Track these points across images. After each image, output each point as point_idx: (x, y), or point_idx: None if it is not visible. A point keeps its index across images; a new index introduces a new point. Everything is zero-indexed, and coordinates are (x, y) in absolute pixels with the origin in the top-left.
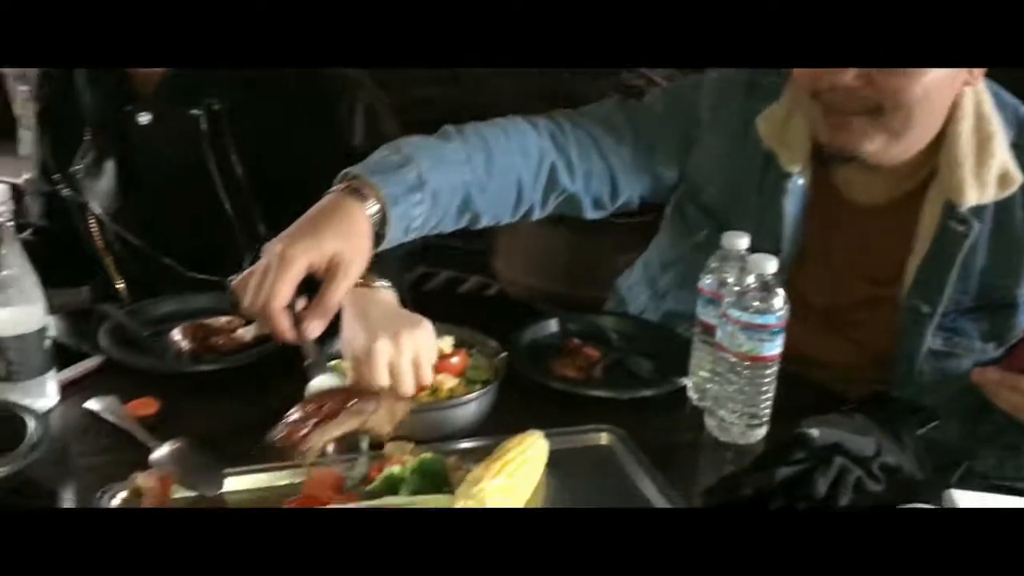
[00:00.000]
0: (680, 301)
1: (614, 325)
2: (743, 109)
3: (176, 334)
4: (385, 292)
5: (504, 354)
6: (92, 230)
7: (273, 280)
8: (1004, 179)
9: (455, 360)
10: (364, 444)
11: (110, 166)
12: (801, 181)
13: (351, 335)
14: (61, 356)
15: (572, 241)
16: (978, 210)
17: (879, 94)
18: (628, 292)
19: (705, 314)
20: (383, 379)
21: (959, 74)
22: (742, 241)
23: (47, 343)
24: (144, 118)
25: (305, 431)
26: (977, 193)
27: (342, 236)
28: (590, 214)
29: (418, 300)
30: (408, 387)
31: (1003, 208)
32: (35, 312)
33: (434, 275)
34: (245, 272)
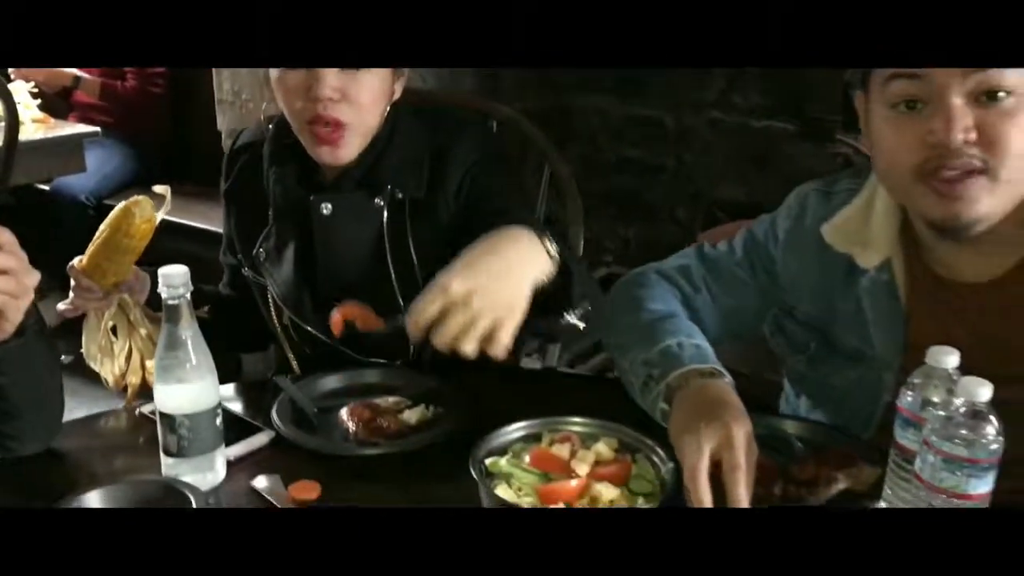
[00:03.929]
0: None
1: (798, 431)
2: (818, 219)
3: (344, 413)
4: None
5: (672, 464)
6: (271, 312)
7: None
8: None
9: (614, 468)
10: None
11: (290, 254)
12: (886, 277)
13: None
14: (235, 428)
15: None
16: None
17: (987, 150)
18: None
19: (904, 437)
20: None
21: None
22: (950, 359)
23: (218, 420)
24: (327, 208)
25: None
26: None
27: (741, 417)
28: None
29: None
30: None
31: None
32: (209, 390)
33: None
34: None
